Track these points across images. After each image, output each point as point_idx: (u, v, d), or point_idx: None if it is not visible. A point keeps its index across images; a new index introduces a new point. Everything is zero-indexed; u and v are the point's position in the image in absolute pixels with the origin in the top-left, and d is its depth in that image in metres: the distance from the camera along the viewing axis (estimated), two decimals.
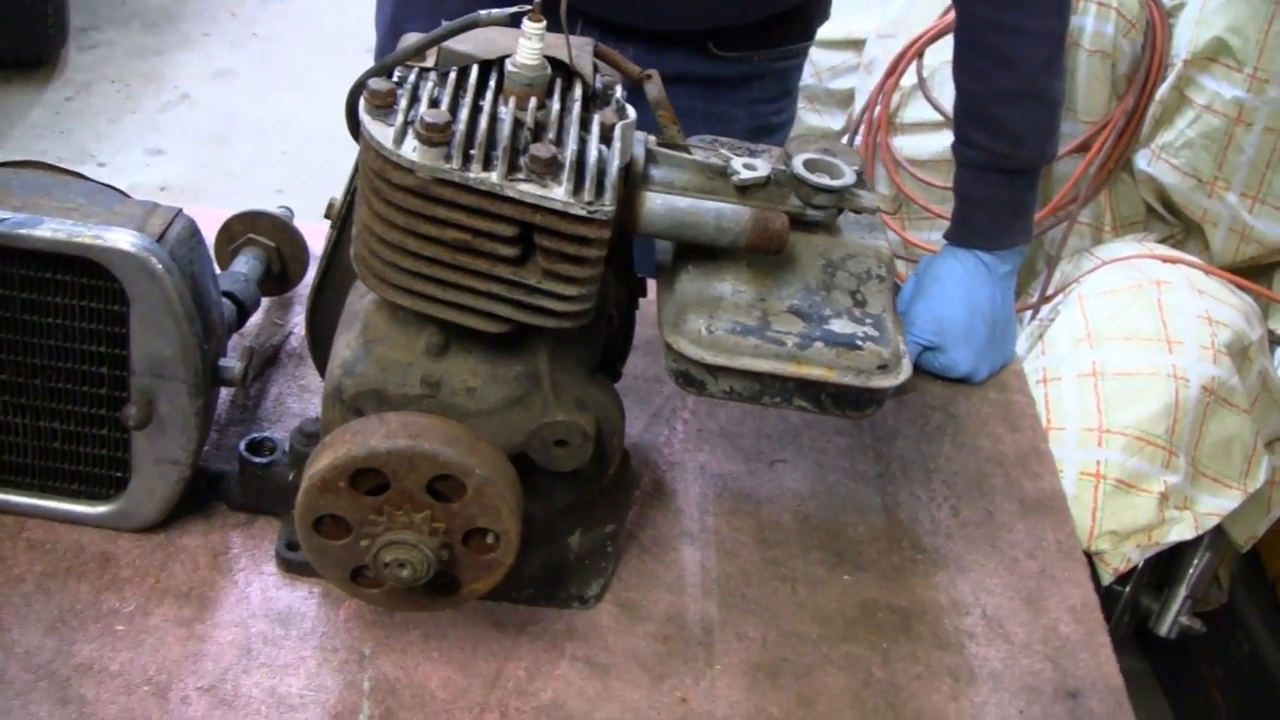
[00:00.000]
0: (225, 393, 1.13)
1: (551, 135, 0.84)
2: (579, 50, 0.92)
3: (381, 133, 0.83)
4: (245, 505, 1.06)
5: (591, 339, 0.93)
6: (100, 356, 0.96)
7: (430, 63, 0.90)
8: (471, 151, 0.82)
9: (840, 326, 0.90)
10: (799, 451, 1.24)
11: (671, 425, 1.24)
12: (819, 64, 2.60)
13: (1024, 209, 1.33)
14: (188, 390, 0.96)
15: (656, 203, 0.88)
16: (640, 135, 0.92)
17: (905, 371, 0.91)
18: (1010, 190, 1.31)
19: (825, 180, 0.91)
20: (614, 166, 0.82)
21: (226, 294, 1.11)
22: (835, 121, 2.60)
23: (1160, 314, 1.79)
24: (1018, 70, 1.27)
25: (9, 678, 0.92)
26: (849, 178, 0.92)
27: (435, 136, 0.81)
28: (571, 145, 0.82)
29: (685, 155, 0.92)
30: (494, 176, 0.82)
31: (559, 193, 0.81)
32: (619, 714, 0.97)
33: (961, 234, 1.34)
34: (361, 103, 0.85)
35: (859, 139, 2.24)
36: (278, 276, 1.21)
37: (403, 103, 0.84)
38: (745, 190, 0.92)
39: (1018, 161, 1.29)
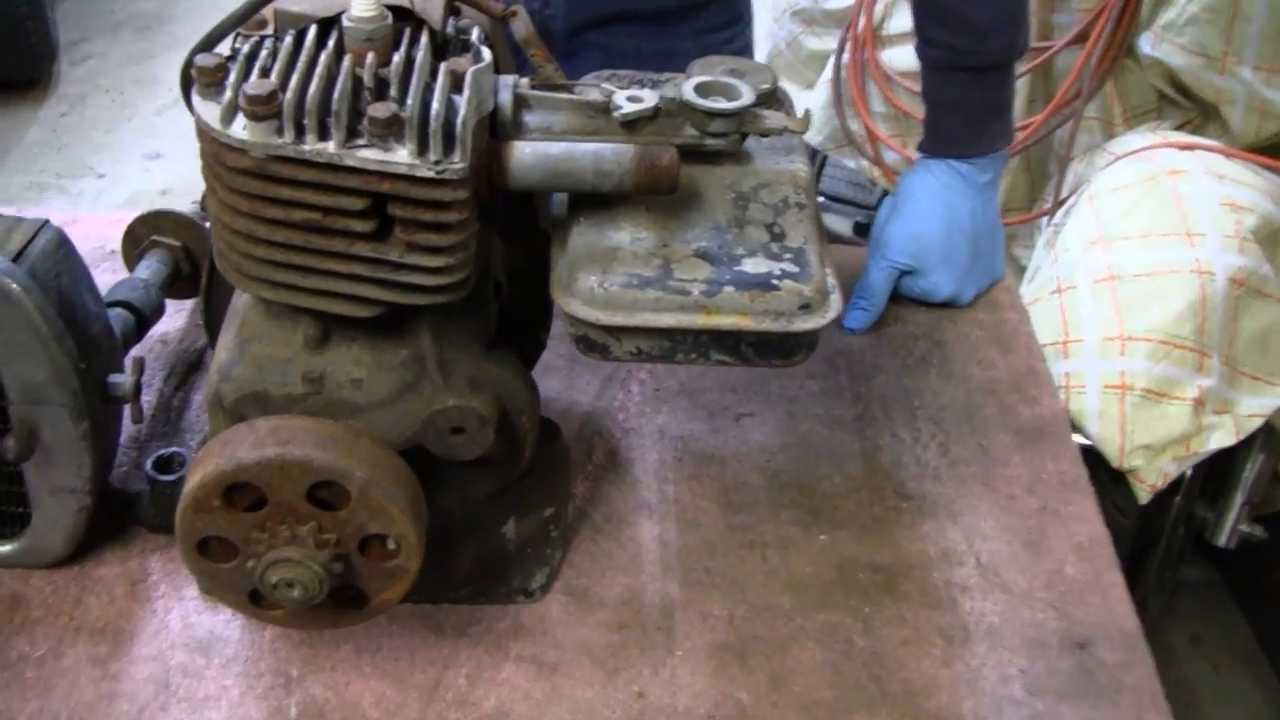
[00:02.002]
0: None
1: (394, 92, 0.74)
2: None
3: (210, 113, 0.74)
4: (161, 526, 0.98)
5: (480, 311, 0.84)
6: None
7: (271, 29, 0.81)
8: (305, 121, 0.72)
9: (754, 266, 0.80)
10: (767, 402, 1.14)
11: (627, 388, 1.15)
12: None
13: (998, 109, 1.22)
14: (69, 414, 0.88)
15: (525, 152, 0.78)
16: (509, 79, 0.82)
17: (833, 309, 0.81)
18: (980, 89, 1.19)
19: (720, 103, 0.81)
20: (462, 117, 0.72)
21: (120, 303, 1.03)
22: (834, 42, 2.48)
23: (1178, 205, 1.66)
24: None
25: None
26: (746, 98, 0.82)
27: (260, 109, 0.72)
28: (413, 100, 0.72)
29: (561, 95, 0.82)
30: (331, 146, 0.73)
31: (403, 155, 0.72)
32: (569, 717, 0.88)
33: (933, 143, 1.22)
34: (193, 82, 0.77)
35: (846, 56, 2.12)
36: (189, 277, 1.13)
37: (232, 77, 0.75)
38: (631, 126, 0.82)
39: (984, 57, 1.17)
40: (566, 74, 1.42)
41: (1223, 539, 1.91)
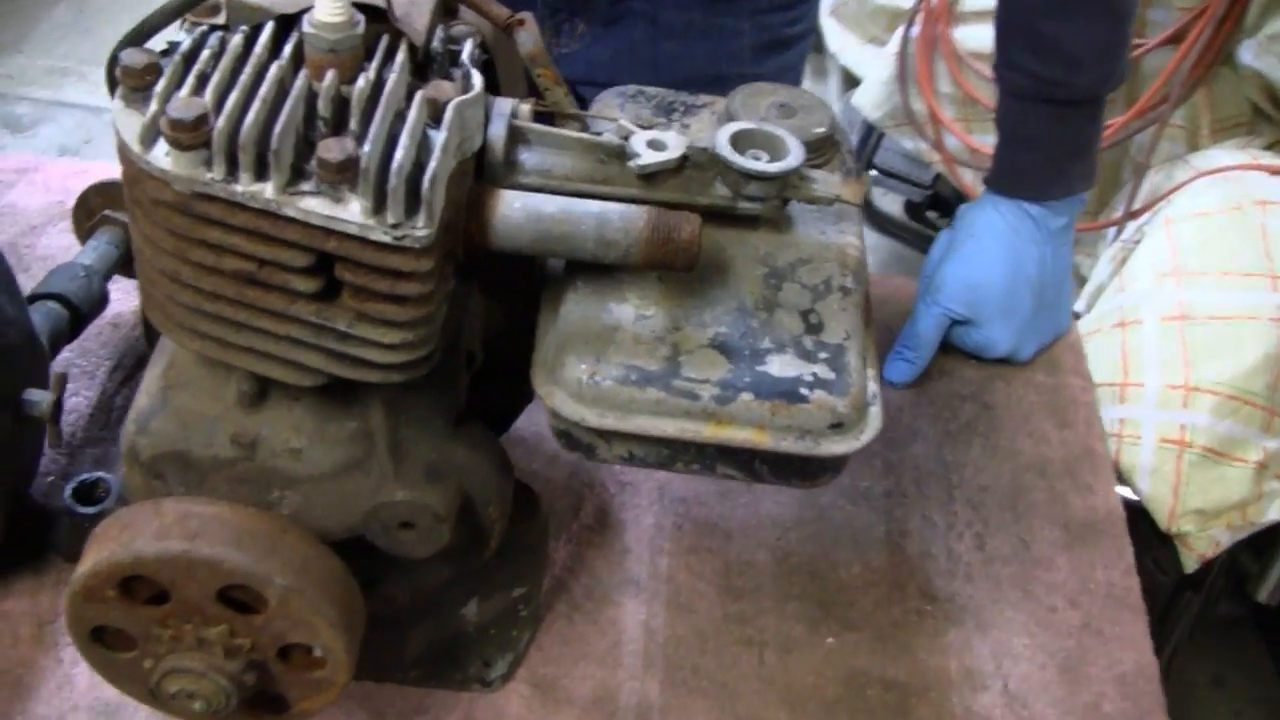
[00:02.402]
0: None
1: (354, 124, 0.60)
2: None
3: (130, 127, 0.60)
4: (78, 559, 0.86)
5: (448, 385, 0.70)
6: None
7: (221, 19, 0.66)
8: (239, 156, 0.58)
9: (780, 367, 0.66)
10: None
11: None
12: None
13: (1082, 149, 1.06)
14: None
15: (514, 207, 0.64)
16: (506, 105, 0.67)
17: (871, 427, 0.67)
18: (1064, 125, 1.03)
19: (758, 164, 0.66)
20: (432, 170, 0.58)
21: (53, 296, 0.89)
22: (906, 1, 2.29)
23: (1264, 242, 1.49)
24: None
25: None
26: (792, 158, 0.67)
27: (185, 137, 0.58)
28: (373, 140, 0.58)
29: (568, 132, 0.67)
30: (269, 189, 0.58)
31: (354, 210, 0.58)
32: None
33: (1004, 180, 1.07)
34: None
35: (915, 30, 1.94)
36: None
37: (160, 84, 0.61)
38: (651, 179, 0.67)
39: (1073, 90, 1.01)
40: (605, 45, 1.27)
41: (1264, 595, 1.78)
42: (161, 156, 0.59)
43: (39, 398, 0.80)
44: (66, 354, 0.98)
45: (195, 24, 0.66)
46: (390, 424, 0.68)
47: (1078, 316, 1.35)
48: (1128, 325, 1.50)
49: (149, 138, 0.60)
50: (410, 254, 0.59)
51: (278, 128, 0.57)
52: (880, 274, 1.18)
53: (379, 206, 0.58)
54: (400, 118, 0.60)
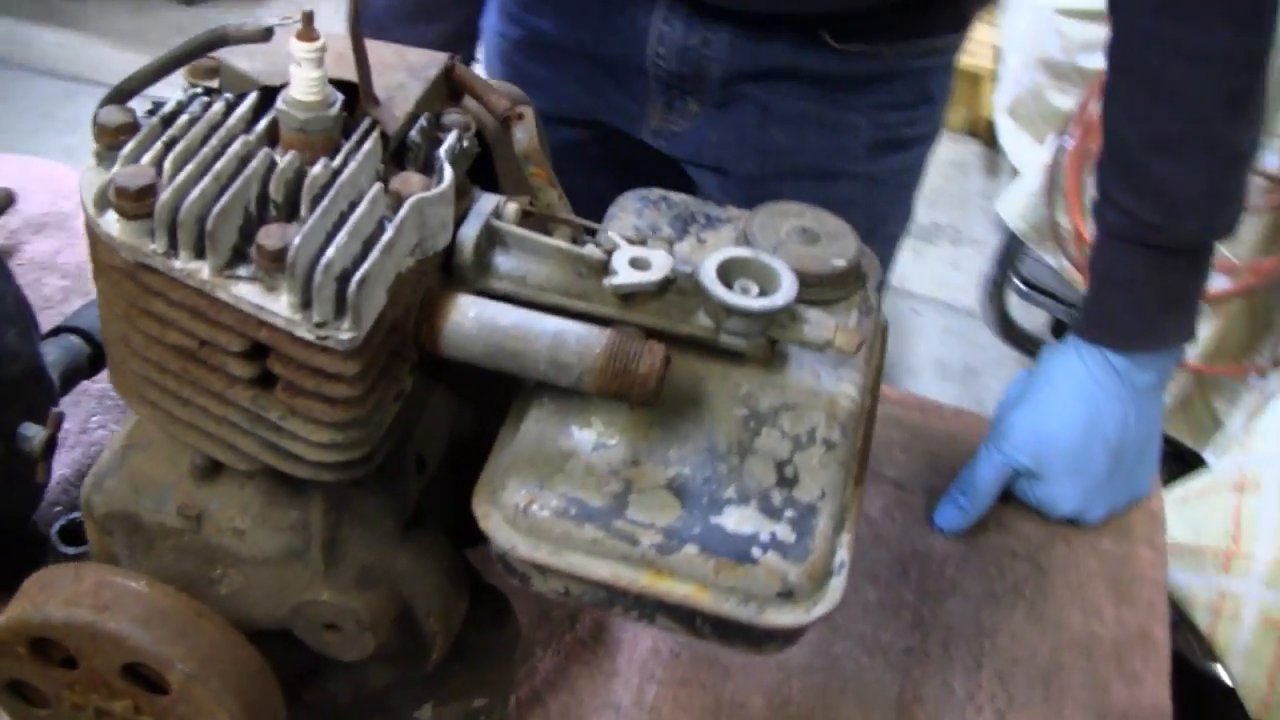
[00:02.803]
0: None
1: (304, 210, 0.57)
2: (411, 73, 0.64)
3: (90, 188, 0.59)
4: None
5: (393, 487, 0.67)
6: None
7: (216, 83, 0.65)
8: (179, 233, 0.56)
9: (736, 521, 0.60)
10: None
11: None
12: (1070, 37, 2.21)
13: (1181, 299, 0.97)
14: None
15: (469, 316, 0.60)
16: (489, 203, 0.64)
17: (828, 600, 0.60)
18: (1160, 273, 0.95)
19: (741, 299, 0.61)
20: (364, 270, 0.54)
21: (76, 330, 0.90)
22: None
23: None
24: (1183, 107, 0.90)
25: None
26: (780, 296, 0.61)
27: (129, 206, 0.57)
28: (308, 231, 0.55)
29: (547, 240, 0.63)
30: (204, 270, 0.56)
31: (282, 304, 0.55)
32: None
33: (1091, 325, 0.99)
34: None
35: (1069, 142, 1.85)
36: None
37: (128, 147, 0.59)
38: (628, 299, 0.63)
39: (1173, 236, 0.93)
40: (715, 126, 1.23)
41: None
42: (110, 223, 0.58)
43: (33, 433, 0.80)
44: (100, 386, 0.99)
45: (192, 85, 0.64)
46: (329, 520, 0.65)
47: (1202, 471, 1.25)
48: (1246, 488, 1.39)
49: (103, 201, 0.58)
50: (336, 356, 0.56)
51: (217, 207, 0.55)
52: (956, 406, 1.11)
53: (306, 303, 0.55)
54: (346, 212, 0.57)
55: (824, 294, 0.69)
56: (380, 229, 0.57)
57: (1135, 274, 0.95)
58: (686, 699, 0.87)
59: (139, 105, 0.63)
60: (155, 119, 0.61)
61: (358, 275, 0.54)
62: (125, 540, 0.69)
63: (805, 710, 0.87)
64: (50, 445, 0.80)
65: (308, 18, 0.57)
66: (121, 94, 0.63)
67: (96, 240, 0.59)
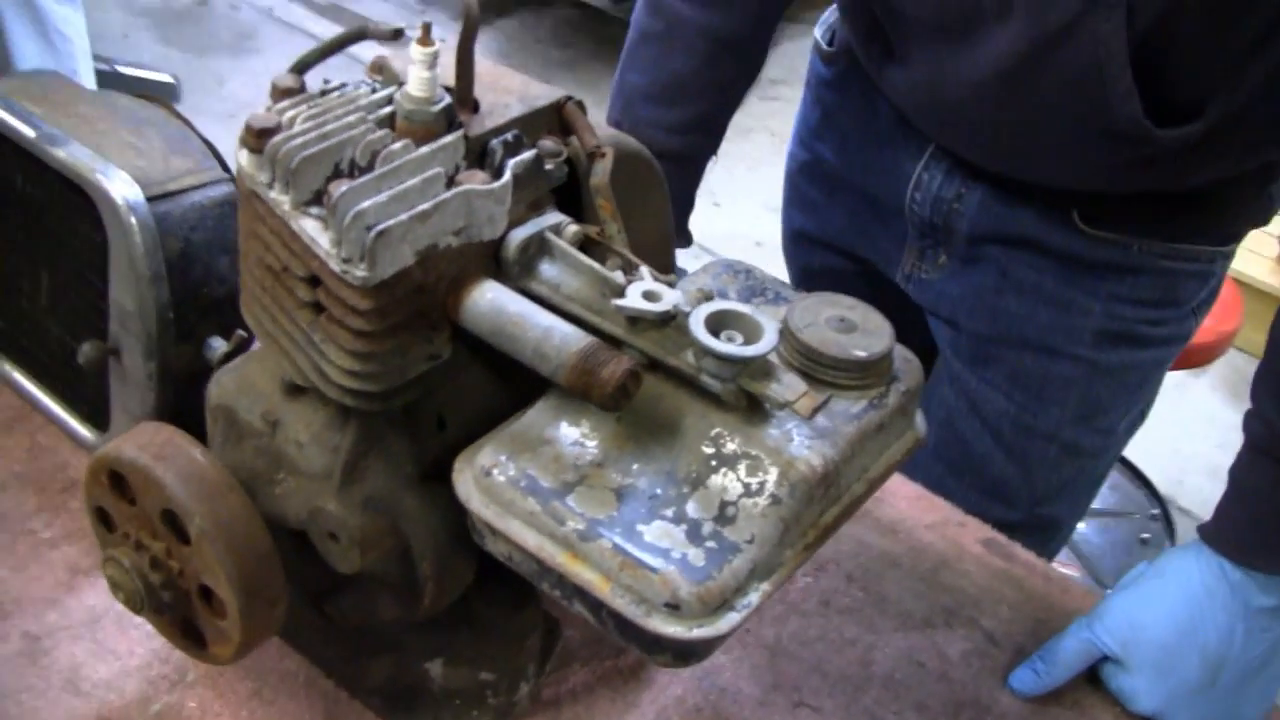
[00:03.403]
0: None
1: (373, 177, 0.69)
2: (521, 100, 0.76)
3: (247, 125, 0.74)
4: None
5: (415, 437, 0.77)
6: (101, 291, 0.97)
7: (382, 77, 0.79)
8: (276, 170, 0.70)
9: (657, 535, 0.66)
10: (845, 708, 0.95)
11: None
12: None
13: None
14: (141, 349, 0.94)
15: (486, 296, 0.70)
16: (554, 219, 0.74)
17: (717, 628, 0.65)
18: None
19: (714, 341, 0.67)
20: (384, 225, 0.66)
21: None
22: None
23: None
24: None
25: None
26: (753, 348, 0.67)
27: (252, 142, 0.71)
28: (357, 187, 0.67)
29: (584, 259, 0.72)
30: (287, 202, 0.70)
31: (327, 240, 0.68)
32: None
33: (1213, 531, 0.95)
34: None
35: None
36: None
37: (285, 102, 0.74)
38: (634, 325, 0.71)
39: None
40: (958, 282, 1.27)
41: None
42: (243, 154, 0.73)
43: (218, 345, 0.96)
44: None
45: (371, 77, 0.79)
46: (357, 449, 0.76)
47: None
48: None
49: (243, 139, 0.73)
50: (355, 291, 0.67)
51: (306, 153, 0.69)
52: (1087, 586, 1.08)
53: (339, 241, 0.67)
54: (403, 182, 0.69)
55: (838, 378, 0.73)
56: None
57: (1266, 488, 0.91)
58: None
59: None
60: (318, 91, 0.76)
61: (378, 228, 0.66)
62: (223, 430, 0.83)
63: None
64: (227, 358, 0.97)
65: (426, 28, 0.70)
66: (300, 66, 0.78)
67: (239, 173, 0.74)
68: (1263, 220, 1.20)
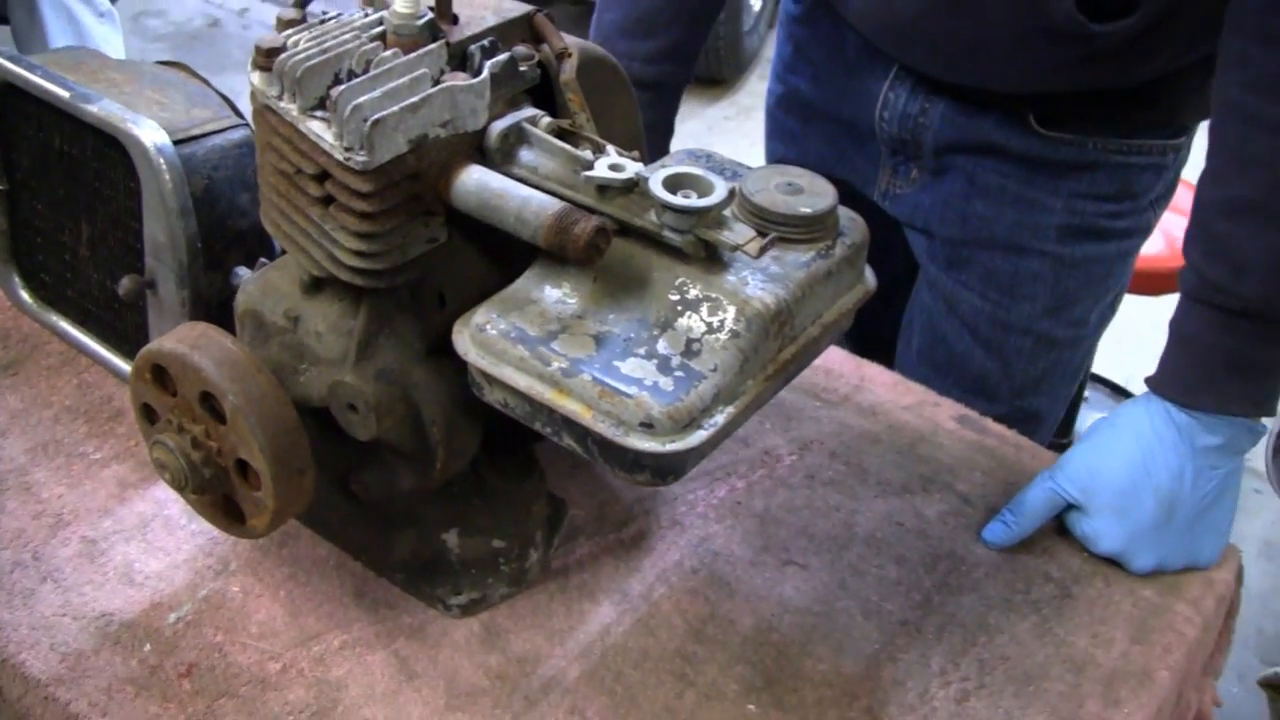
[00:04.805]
0: None
1: (366, 81, 0.79)
2: (496, 13, 0.85)
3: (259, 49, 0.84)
4: None
5: (420, 314, 0.87)
6: (136, 231, 1.07)
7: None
8: (284, 82, 0.80)
9: (631, 368, 0.76)
10: (830, 564, 1.04)
11: (712, 489, 1.10)
12: None
13: (1247, 366, 0.99)
14: (175, 279, 1.04)
15: (472, 176, 0.80)
16: (527, 112, 0.83)
17: (686, 441, 0.74)
18: (1226, 336, 0.98)
19: (670, 197, 0.77)
20: (376, 116, 0.75)
21: None
22: None
23: None
24: (1256, 177, 0.95)
25: None
26: (703, 200, 0.77)
27: (262, 60, 0.81)
28: (352, 86, 0.77)
29: (556, 142, 0.82)
30: (295, 109, 0.80)
31: (331, 135, 0.77)
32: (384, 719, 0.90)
33: (1157, 380, 1.03)
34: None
35: None
36: None
37: (287, 31, 0.84)
38: (602, 192, 0.80)
39: (1237, 299, 0.97)
40: (929, 193, 1.36)
41: None
42: (254, 74, 0.83)
43: (243, 274, 1.06)
44: None
45: (364, 7, 0.89)
46: (370, 329, 0.86)
47: None
48: None
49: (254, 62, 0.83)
50: (356, 175, 0.77)
51: (308, 64, 0.79)
52: (1055, 453, 1.16)
53: (340, 134, 0.77)
54: (390, 83, 0.78)
55: (788, 232, 0.83)
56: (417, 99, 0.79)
57: (1199, 332, 0.99)
58: (686, 604, 0.99)
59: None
60: (321, 15, 0.86)
61: (374, 117, 0.76)
62: (250, 332, 0.93)
63: (784, 640, 0.97)
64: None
65: None
66: (300, 1, 0.88)
67: (253, 92, 0.84)
68: (1208, 112, 1.29)
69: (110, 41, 2.79)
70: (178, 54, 3.89)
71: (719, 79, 4.00)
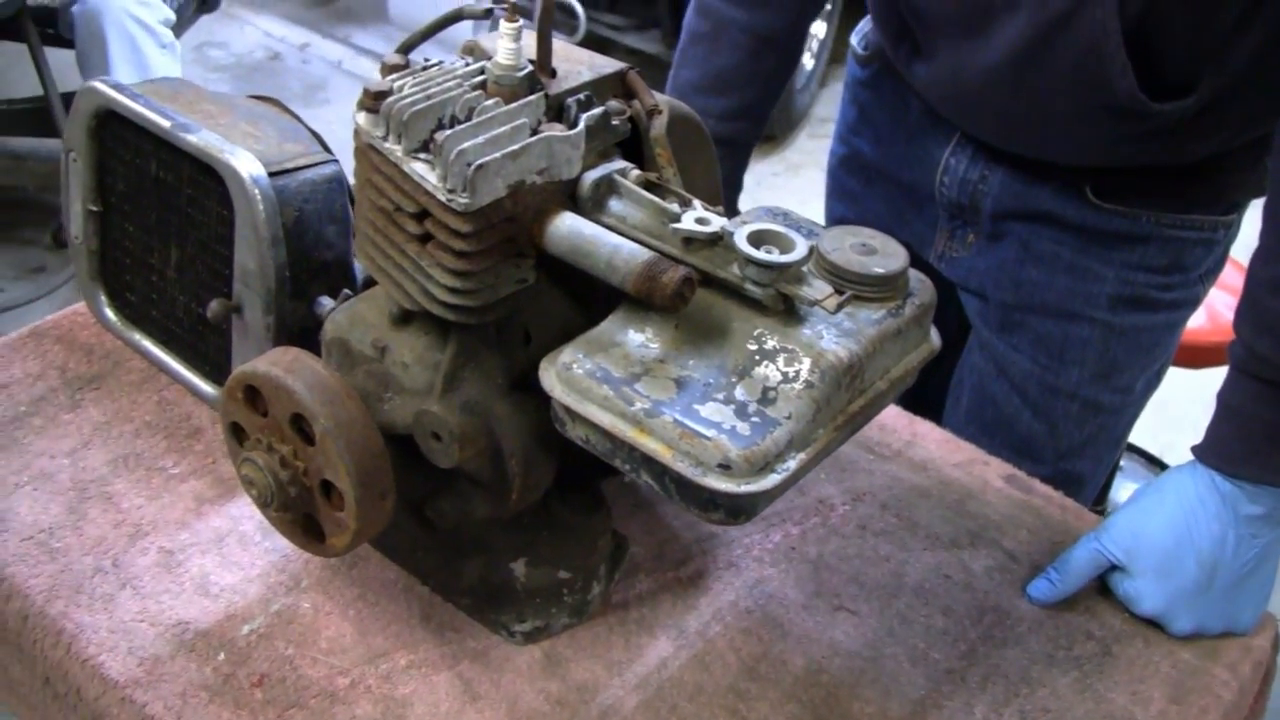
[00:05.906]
0: None
1: (469, 128, 0.84)
2: (591, 69, 0.90)
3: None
4: None
5: (505, 349, 0.91)
6: (225, 258, 1.12)
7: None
8: (390, 124, 0.85)
9: (710, 411, 0.79)
10: (879, 612, 1.07)
11: (767, 534, 1.14)
12: None
13: None
14: (261, 304, 1.08)
15: (566, 222, 0.84)
16: (620, 165, 0.88)
17: (762, 483, 0.78)
18: (1270, 408, 1.02)
19: (754, 252, 0.81)
20: (480, 161, 0.80)
21: None
22: None
23: None
24: None
25: (56, 480, 1.11)
26: (784, 256, 0.81)
27: (368, 102, 0.86)
28: (456, 133, 0.81)
29: (646, 195, 0.86)
30: (399, 150, 0.84)
31: (435, 177, 0.82)
32: None
33: (1204, 447, 1.07)
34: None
35: None
36: None
37: (393, 76, 0.89)
38: (687, 244, 0.85)
39: None
40: (985, 257, 1.40)
41: None
42: (360, 115, 0.87)
43: (326, 304, 1.11)
44: None
45: (463, 56, 0.94)
46: (457, 362, 0.90)
47: None
48: None
49: (360, 104, 0.88)
50: (457, 215, 0.82)
51: (414, 109, 0.83)
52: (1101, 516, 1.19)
53: (444, 177, 0.81)
54: (492, 131, 0.83)
55: (862, 290, 0.87)
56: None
57: (1245, 404, 1.03)
58: (740, 643, 1.03)
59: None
60: (426, 64, 0.91)
61: (477, 162, 0.80)
62: (337, 359, 0.97)
63: (833, 681, 1.00)
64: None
65: (513, 6, 0.85)
66: (404, 47, 0.93)
67: (357, 131, 0.89)
68: (1259, 191, 1.33)
69: (170, 72, 2.88)
70: (238, 85, 3.99)
71: (769, 135, 4.06)
